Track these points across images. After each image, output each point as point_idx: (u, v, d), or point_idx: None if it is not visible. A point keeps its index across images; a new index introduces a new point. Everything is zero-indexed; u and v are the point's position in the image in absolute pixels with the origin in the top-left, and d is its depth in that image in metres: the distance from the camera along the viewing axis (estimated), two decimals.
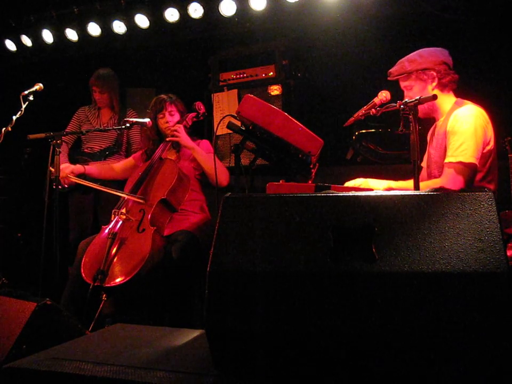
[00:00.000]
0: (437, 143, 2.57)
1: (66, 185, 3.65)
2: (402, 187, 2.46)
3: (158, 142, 3.20)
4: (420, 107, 2.42)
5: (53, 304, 1.98)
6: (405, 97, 2.58)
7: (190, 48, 4.41)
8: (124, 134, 3.88)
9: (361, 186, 2.43)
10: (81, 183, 3.03)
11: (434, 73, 2.52)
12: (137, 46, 4.38)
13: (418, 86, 2.54)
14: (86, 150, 3.81)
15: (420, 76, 2.52)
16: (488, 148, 2.45)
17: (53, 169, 2.85)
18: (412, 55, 2.58)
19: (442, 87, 2.55)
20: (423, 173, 2.73)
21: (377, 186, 2.44)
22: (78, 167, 3.16)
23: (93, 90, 3.87)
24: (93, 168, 3.29)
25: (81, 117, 3.95)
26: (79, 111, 3.98)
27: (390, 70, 2.63)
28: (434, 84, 2.53)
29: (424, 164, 2.77)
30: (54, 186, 3.78)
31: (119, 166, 3.39)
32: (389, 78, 2.64)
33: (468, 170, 2.37)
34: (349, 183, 2.51)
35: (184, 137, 3.05)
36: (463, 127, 2.39)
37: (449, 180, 2.39)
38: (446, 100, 2.57)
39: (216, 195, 2.67)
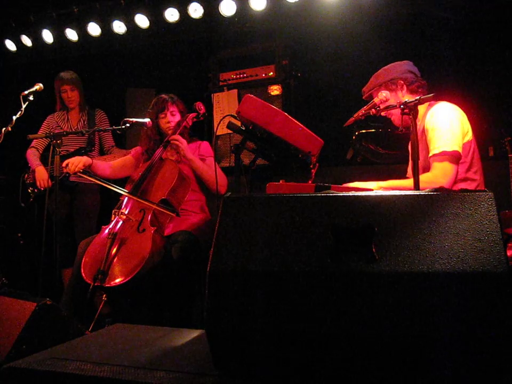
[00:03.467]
0: (422, 146, 2.59)
1: (42, 188, 3.67)
2: (394, 186, 2.47)
3: (159, 142, 3.20)
4: (396, 120, 2.60)
5: (53, 304, 1.98)
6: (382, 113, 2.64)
7: (190, 48, 4.41)
8: (96, 134, 3.90)
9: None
10: (93, 181, 2.98)
11: (402, 81, 2.64)
12: (137, 46, 4.39)
13: (390, 96, 2.62)
14: (62, 153, 3.80)
15: (389, 86, 2.64)
16: (467, 138, 2.51)
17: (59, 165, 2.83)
18: (378, 72, 2.72)
19: (412, 93, 2.64)
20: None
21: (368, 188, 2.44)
22: (87, 159, 3.04)
23: (62, 91, 3.88)
24: (97, 162, 3.24)
25: (50, 123, 3.96)
26: (48, 119, 3.99)
27: (363, 89, 2.76)
28: (403, 91, 2.65)
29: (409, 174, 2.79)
30: (29, 190, 3.81)
31: (118, 163, 3.37)
32: (363, 97, 2.76)
33: (453, 159, 2.43)
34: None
35: (185, 148, 3.03)
36: (439, 120, 2.49)
37: (439, 171, 2.43)
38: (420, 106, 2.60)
39: (216, 195, 2.68)
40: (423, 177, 2.43)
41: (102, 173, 3.24)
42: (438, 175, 2.42)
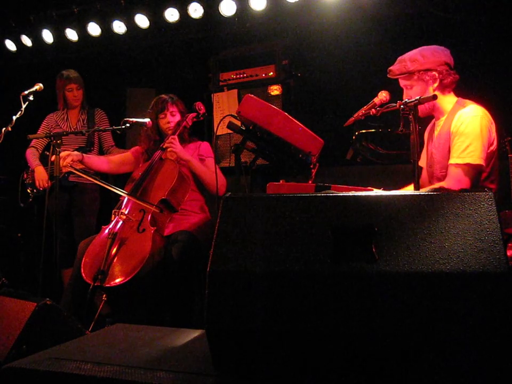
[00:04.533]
0: (439, 143, 2.55)
1: (41, 188, 3.67)
2: None
3: (158, 142, 3.19)
4: (420, 106, 2.41)
5: (53, 304, 1.98)
6: (404, 96, 2.57)
7: (190, 48, 4.41)
8: (96, 134, 3.90)
9: None
10: (84, 176, 2.99)
11: (436, 74, 2.48)
12: (137, 46, 4.39)
13: (419, 86, 2.51)
14: None
15: (422, 77, 2.48)
16: (491, 148, 2.44)
17: (54, 157, 2.83)
18: (413, 54, 2.53)
19: (443, 87, 2.52)
20: (424, 173, 2.71)
21: None
22: (77, 154, 3.06)
23: (68, 89, 3.88)
24: (90, 157, 3.25)
25: (50, 123, 3.96)
26: (47, 118, 3.99)
27: (391, 68, 2.59)
28: (435, 84, 2.50)
29: (423, 164, 2.75)
30: (28, 191, 3.81)
31: (116, 159, 3.37)
32: (389, 75, 2.61)
33: (475, 172, 2.37)
34: None
35: (179, 150, 3.01)
36: (469, 128, 2.37)
37: (455, 181, 2.36)
38: (447, 100, 2.56)
39: (216, 195, 2.68)
40: (436, 186, 2.41)
41: (98, 167, 3.24)
42: (453, 186, 2.35)
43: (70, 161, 2.91)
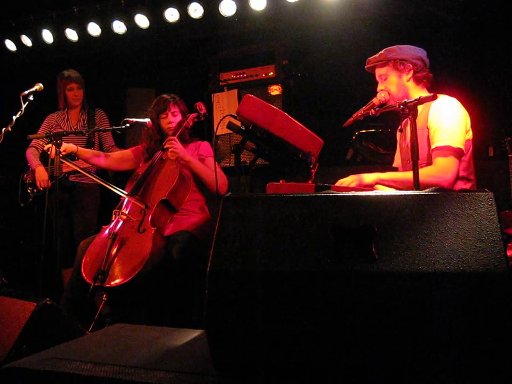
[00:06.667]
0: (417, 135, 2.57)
1: (41, 188, 3.67)
2: (394, 178, 2.45)
3: (159, 142, 3.19)
4: (394, 96, 2.51)
5: (53, 304, 1.98)
6: (377, 88, 2.63)
7: (190, 48, 4.41)
8: (96, 134, 3.90)
9: (353, 185, 2.40)
10: (78, 169, 3.01)
11: (411, 65, 2.57)
12: (137, 46, 4.39)
13: (393, 75, 2.58)
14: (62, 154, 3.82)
15: (397, 65, 2.57)
16: (468, 137, 2.48)
17: (48, 146, 2.86)
18: (392, 47, 2.62)
19: (416, 80, 2.59)
20: (400, 171, 2.71)
21: (368, 180, 2.42)
22: (70, 146, 3.07)
23: (69, 89, 3.88)
24: (85, 150, 3.25)
25: (50, 123, 3.96)
26: (48, 118, 3.99)
27: (369, 58, 2.68)
28: (409, 75, 2.58)
29: (398, 164, 2.78)
30: (29, 191, 3.81)
31: (116, 155, 3.38)
32: (366, 66, 2.70)
33: (456, 155, 2.40)
34: (343, 181, 2.47)
35: (181, 151, 3.01)
36: (447, 114, 2.43)
37: (442, 166, 2.39)
38: (420, 93, 2.55)
39: (216, 195, 2.68)
40: (425, 171, 2.42)
41: (95, 161, 3.24)
42: (441, 170, 2.38)
43: (63, 151, 2.93)
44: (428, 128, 2.50)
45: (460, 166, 2.45)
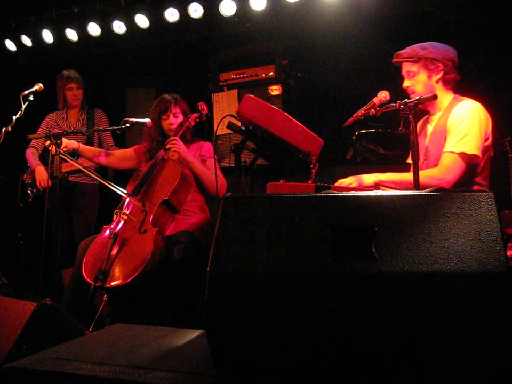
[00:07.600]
0: (435, 137, 2.56)
1: (41, 188, 3.67)
2: (393, 179, 2.45)
3: (161, 142, 3.17)
4: (416, 95, 2.43)
5: (53, 304, 1.98)
6: (403, 85, 2.59)
7: (190, 48, 4.41)
8: (95, 134, 3.90)
9: (354, 185, 2.40)
10: (81, 167, 3.00)
11: (442, 66, 2.51)
12: (137, 46, 4.39)
13: (423, 73, 2.52)
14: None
15: (428, 65, 2.51)
16: (487, 143, 2.45)
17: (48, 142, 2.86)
18: (424, 43, 2.56)
19: (445, 82, 2.55)
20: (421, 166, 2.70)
21: (367, 181, 2.42)
22: (72, 142, 3.08)
23: (68, 89, 3.89)
24: (87, 147, 3.25)
25: (49, 123, 3.97)
26: (47, 118, 4.00)
27: (399, 52, 2.60)
28: (438, 76, 2.52)
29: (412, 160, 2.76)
30: (28, 191, 3.82)
31: (118, 153, 3.38)
32: (394, 59, 2.62)
33: (468, 162, 2.38)
34: (342, 181, 2.48)
35: (183, 151, 3.00)
36: (467, 119, 2.40)
37: (446, 168, 2.38)
38: (445, 95, 2.57)
39: (216, 197, 2.68)
40: (427, 172, 2.41)
41: (96, 159, 3.24)
42: (443, 172, 2.37)
43: (64, 147, 2.93)
44: (447, 130, 2.47)
45: (474, 171, 2.43)
